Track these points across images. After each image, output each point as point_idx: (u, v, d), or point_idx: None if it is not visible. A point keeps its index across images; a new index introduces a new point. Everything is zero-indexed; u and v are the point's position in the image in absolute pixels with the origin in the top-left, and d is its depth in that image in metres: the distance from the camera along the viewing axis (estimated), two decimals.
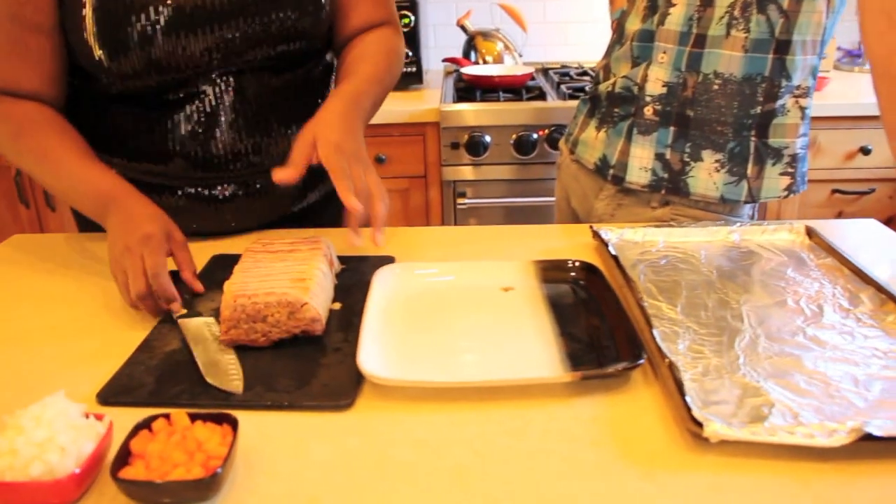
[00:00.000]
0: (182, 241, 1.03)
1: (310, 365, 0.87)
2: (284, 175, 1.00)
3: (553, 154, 2.40)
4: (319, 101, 1.29)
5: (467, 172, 2.45)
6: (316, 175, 1.31)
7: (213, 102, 1.18)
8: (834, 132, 2.43)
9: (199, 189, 1.24)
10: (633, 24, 1.35)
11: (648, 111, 1.32)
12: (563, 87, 2.51)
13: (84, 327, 0.99)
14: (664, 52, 1.29)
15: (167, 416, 0.71)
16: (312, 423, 0.78)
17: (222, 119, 1.19)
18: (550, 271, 1.06)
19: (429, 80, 2.82)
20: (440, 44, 3.08)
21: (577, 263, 1.06)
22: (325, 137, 1.02)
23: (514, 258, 1.10)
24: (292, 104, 1.26)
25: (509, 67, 2.63)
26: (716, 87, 1.26)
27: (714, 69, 1.26)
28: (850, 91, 2.55)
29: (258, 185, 1.26)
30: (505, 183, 2.45)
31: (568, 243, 1.22)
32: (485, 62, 2.79)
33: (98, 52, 1.10)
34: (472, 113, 2.39)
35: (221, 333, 0.90)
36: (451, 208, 2.50)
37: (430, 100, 2.52)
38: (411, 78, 2.66)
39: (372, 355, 0.84)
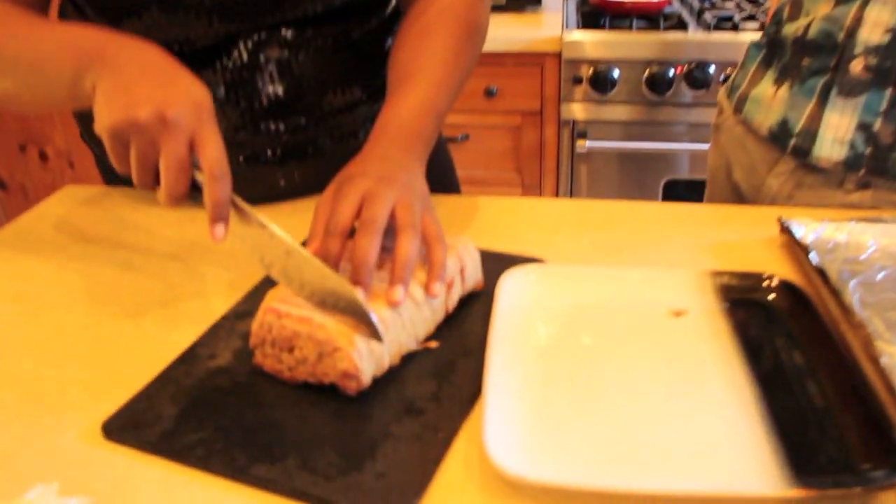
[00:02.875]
0: (211, 114, 0.72)
1: (371, 432, 0.63)
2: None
3: (690, 95, 2.07)
4: (376, 54, 1.06)
5: (590, 111, 2.15)
6: None
7: (255, 54, 0.96)
8: None
9: (244, 152, 1.01)
10: None
11: (857, 66, 1.01)
12: (705, 15, 2.17)
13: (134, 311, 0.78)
14: None
15: None
16: None
17: (266, 72, 0.96)
18: (735, 291, 0.79)
19: (548, 1, 2.49)
20: None
21: (773, 283, 0.79)
22: (349, 179, 0.76)
23: (676, 255, 0.85)
24: (345, 60, 1.02)
25: None
26: None
27: None
28: None
29: (308, 150, 1.04)
30: (633, 125, 2.15)
31: (742, 235, 0.94)
32: None
33: None
34: (599, 43, 2.07)
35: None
36: (569, 150, 2.22)
37: (550, 26, 2.21)
38: None
39: (500, 430, 0.60)
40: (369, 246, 0.69)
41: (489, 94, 2.20)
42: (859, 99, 1.01)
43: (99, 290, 0.86)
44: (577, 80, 2.11)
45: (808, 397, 0.65)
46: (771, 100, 1.12)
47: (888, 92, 0.99)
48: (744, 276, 0.80)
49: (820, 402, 0.65)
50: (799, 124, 1.07)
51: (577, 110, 2.16)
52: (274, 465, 0.59)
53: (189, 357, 0.71)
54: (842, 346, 0.69)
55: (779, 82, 1.11)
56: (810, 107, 1.05)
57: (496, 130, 2.29)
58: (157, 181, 0.71)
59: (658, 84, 2.07)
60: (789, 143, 1.08)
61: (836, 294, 0.76)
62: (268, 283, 0.80)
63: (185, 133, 0.69)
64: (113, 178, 1.12)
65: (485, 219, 1.00)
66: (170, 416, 0.64)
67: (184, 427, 0.63)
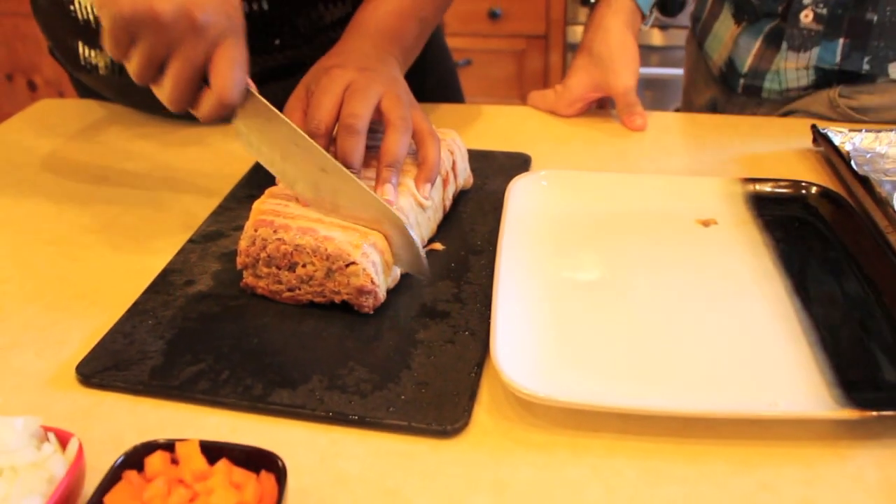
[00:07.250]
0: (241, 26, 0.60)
1: (398, 341, 0.56)
2: None
3: None
4: None
5: None
6: None
7: None
8: None
9: None
10: None
11: (807, 17, 0.91)
12: None
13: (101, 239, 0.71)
14: None
15: (170, 447, 0.43)
16: (397, 451, 0.48)
17: None
18: (769, 200, 0.71)
19: None
20: None
21: (812, 191, 0.71)
22: (326, 72, 0.67)
23: (699, 165, 0.80)
24: None
25: None
26: None
27: None
28: None
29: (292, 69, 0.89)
30: (644, 50, 2.05)
31: (770, 145, 0.86)
32: None
33: None
34: None
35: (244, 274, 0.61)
36: None
37: None
38: None
39: (510, 346, 0.52)
40: (354, 147, 0.61)
41: (493, 15, 2.10)
42: (812, 52, 0.92)
43: (69, 210, 0.78)
44: (585, 1, 2.00)
45: (857, 313, 0.58)
46: (728, 37, 1.01)
47: (841, 42, 0.90)
48: (778, 184, 0.72)
49: (870, 318, 0.57)
50: (746, 64, 0.97)
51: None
52: (297, 390, 0.52)
53: (161, 285, 0.63)
54: (893, 258, 0.62)
55: (737, 19, 1.00)
56: (756, 47, 0.96)
57: (499, 55, 2.19)
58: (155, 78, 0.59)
59: (669, 3, 1.96)
60: (738, 84, 0.99)
61: (881, 204, 0.69)
62: (232, 201, 0.73)
63: (209, 42, 0.56)
64: (87, 95, 1.03)
65: (491, 127, 0.92)
66: (157, 351, 0.56)
67: (177, 360, 0.55)
